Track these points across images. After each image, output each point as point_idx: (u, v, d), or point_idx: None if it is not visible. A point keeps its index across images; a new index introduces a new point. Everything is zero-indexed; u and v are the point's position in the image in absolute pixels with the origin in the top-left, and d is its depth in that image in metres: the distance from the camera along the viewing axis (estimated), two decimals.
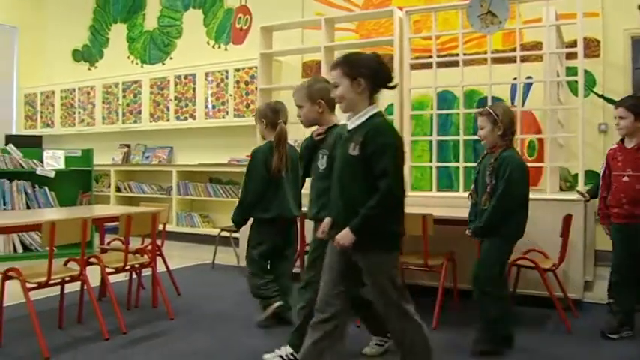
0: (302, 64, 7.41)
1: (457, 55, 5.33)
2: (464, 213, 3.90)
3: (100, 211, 4.78)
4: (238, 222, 4.16)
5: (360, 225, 2.59)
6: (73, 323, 4.10)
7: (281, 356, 3.31)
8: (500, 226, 3.46)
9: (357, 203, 2.60)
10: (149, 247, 4.40)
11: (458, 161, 5.36)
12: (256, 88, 7.39)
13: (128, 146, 9.33)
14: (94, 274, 4.08)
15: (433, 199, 5.00)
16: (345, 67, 2.70)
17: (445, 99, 6.17)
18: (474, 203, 3.74)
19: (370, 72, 2.68)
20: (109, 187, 9.07)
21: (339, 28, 6.44)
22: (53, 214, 4.65)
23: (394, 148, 2.61)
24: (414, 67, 5.56)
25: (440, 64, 5.37)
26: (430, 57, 5.39)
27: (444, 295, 4.12)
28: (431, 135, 5.43)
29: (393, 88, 2.75)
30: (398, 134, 2.73)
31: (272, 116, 4.09)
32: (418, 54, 6.01)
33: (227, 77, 7.88)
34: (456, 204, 4.65)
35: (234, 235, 6.05)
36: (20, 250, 6.72)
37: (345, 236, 2.61)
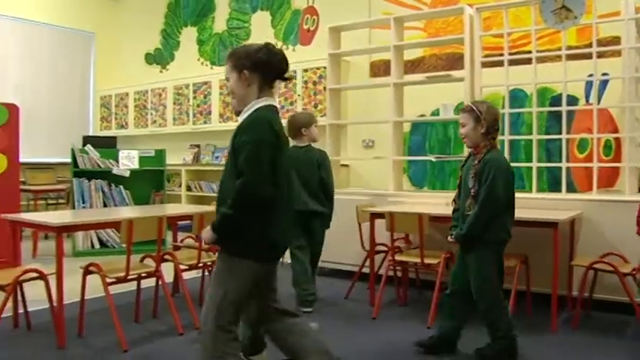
0: (370, 64, 7.39)
1: (529, 52, 5.20)
2: (536, 214, 3.81)
3: (173, 209, 4.90)
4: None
5: (217, 223, 2.43)
6: (149, 318, 4.24)
7: None
8: (484, 232, 3.29)
9: (225, 201, 2.44)
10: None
11: (530, 161, 5.23)
12: (324, 88, 7.43)
13: (198, 146, 9.53)
14: (167, 271, 4.19)
15: None
16: (231, 60, 2.57)
17: (516, 97, 6.03)
18: (457, 208, 3.54)
19: (256, 64, 2.53)
20: (180, 186, 9.28)
21: (407, 27, 6.39)
22: (129, 212, 4.80)
23: (257, 145, 2.38)
24: (484, 65, 5.46)
25: (511, 62, 5.25)
26: (501, 55, 5.28)
27: (516, 299, 4.04)
28: (503, 134, 5.32)
29: (286, 80, 2.62)
30: (272, 130, 2.46)
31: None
32: (489, 52, 5.90)
33: (295, 78, 7.94)
34: (529, 205, 4.54)
35: None
36: (97, 246, 6.98)
37: (205, 232, 2.48)
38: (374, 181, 6.80)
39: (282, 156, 2.49)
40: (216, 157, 9.14)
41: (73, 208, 6.95)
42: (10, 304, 3.66)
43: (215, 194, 8.62)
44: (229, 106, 8.73)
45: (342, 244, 5.38)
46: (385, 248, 4.76)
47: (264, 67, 2.55)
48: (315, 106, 7.68)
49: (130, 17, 11.32)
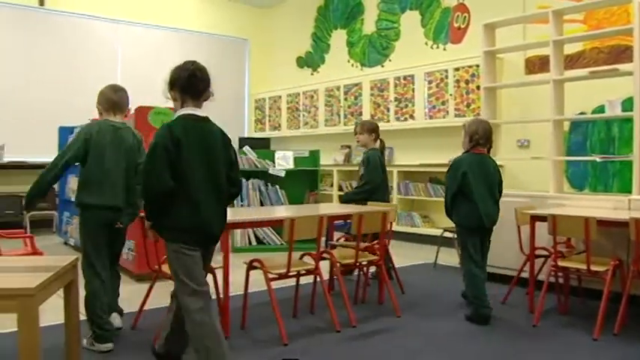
0: (525, 61, 7.11)
1: None
2: None
3: (329, 209, 5.00)
4: (354, 201, 5.41)
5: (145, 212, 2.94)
6: (306, 313, 4.35)
7: None
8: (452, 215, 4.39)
9: None
10: (377, 245, 4.52)
11: None
12: (477, 87, 7.26)
13: (349, 147, 9.68)
14: (324, 269, 4.28)
15: None
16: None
17: None
18: None
19: (171, 82, 2.99)
20: (332, 185, 9.48)
21: (565, 19, 6.06)
22: (288, 211, 4.96)
23: (151, 149, 2.80)
24: None
25: None
26: None
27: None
28: None
29: (196, 90, 2.97)
30: (166, 134, 2.82)
31: (378, 131, 5.64)
32: None
33: (447, 77, 7.82)
34: None
35: None
36: (254, 242, 7.29)
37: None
38: (530, 183, 6.54)
39: (184, 156, 2.83)
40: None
41: (233, 206, 7.30)
42: None
43: None
44: (380, 107, 8.80)
45: (497, 247, 5.23)
46: (545, 253, 4.55)
47: (176, 84, 2.98)
48: (468, 106, 7.51)
49: (281, 23, 11.74)
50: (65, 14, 9.68)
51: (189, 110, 2.97)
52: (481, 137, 4.32)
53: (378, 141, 5.64)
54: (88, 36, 9.94)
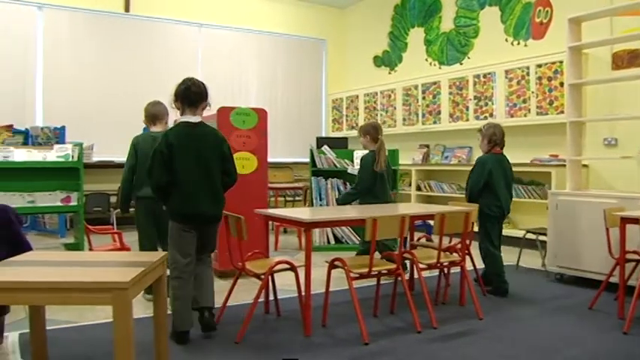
0: (612, 55, 6.84)
1: None
2: None
3: (412, 209, 4.96)
4: (348, 202, 5.69)
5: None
6: (386, 313, 4.34)
7: None
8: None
9: None
10: (458, 246, 4.46)
11: None
12: (561, 84, 7.05)
13: (427, 146, 9.59)
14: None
15: None
16: None
17: None
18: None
19: (174, 95, 3.78)
20: (410, 185, 9.41)
21: None
22: (366, 210, 4.93)
23: (152, 153, 3.63)
24: None
25: None
26: None
27: None
28: None
29: (194, 104, 3.76)
30: (162, 140, 3.63)
31: (374, 132, 5.57)
32: None
33: (528, 74, 7.62)
34: None
35: (541, 237, 5.82)
36: (332, 241, 7.33)
37: None
38: (617, 183, 6.29)
39: (176, 156, 3.62)
40: (446, 157, 9.12)
41: (311, 205, 7.37)
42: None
43: (445, 194, 8.65)
44: (459, 105, 8.68)
45: (584, 250, 5.07)
46: (637, 257, 4.37)
47: (177, 96, 3.76)
48: (551, 103, 7.30)
49: (358, 22, 11.76)
50: (149, 19, 10.06)
51: (184, 118, 3.75)
52: (498, 139, 5.10)
53: (378, 141, 5.60)
54: (170, 39, 10.30)
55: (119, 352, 2.43)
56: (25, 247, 3.46)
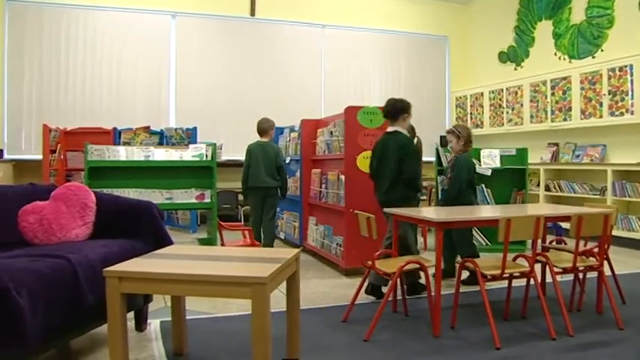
0: None
1: None
2: None
3: (542, 209, 4.78)
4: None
5: None
6: (517, 317, 4.21)
7: None
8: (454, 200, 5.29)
9: None
10: (596, 250, 4.24)
11: None
12: None
13: (557, 145, 9.19)
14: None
15: None
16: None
17: None
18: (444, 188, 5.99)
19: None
20: (538, 185, 9.07)
21: None
22: (495, 210, 4.81)
23: (416, 153, 4.88)
24: None
25: None
26: None
27: None
28: None
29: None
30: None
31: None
32: None
33: None
34: None
35: None
36: None
37: None
38: None
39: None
40: (577, 156, 8.69)
41: (436, 204, 7.28)
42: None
43: (575, 195, 8.27)
44: (592, 101, 8.27)
45: None
46: None
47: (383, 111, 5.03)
48: None
49: (481, 18, 11.48)
50: (274, 22, 10.39)
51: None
52: (470, 139, 5.53)
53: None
54: (294, 40, 10.59)
55: (257, 343, 2.53)
56: (167, 241, 3.68)
